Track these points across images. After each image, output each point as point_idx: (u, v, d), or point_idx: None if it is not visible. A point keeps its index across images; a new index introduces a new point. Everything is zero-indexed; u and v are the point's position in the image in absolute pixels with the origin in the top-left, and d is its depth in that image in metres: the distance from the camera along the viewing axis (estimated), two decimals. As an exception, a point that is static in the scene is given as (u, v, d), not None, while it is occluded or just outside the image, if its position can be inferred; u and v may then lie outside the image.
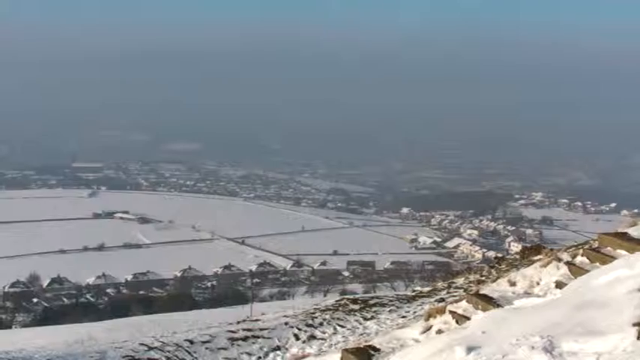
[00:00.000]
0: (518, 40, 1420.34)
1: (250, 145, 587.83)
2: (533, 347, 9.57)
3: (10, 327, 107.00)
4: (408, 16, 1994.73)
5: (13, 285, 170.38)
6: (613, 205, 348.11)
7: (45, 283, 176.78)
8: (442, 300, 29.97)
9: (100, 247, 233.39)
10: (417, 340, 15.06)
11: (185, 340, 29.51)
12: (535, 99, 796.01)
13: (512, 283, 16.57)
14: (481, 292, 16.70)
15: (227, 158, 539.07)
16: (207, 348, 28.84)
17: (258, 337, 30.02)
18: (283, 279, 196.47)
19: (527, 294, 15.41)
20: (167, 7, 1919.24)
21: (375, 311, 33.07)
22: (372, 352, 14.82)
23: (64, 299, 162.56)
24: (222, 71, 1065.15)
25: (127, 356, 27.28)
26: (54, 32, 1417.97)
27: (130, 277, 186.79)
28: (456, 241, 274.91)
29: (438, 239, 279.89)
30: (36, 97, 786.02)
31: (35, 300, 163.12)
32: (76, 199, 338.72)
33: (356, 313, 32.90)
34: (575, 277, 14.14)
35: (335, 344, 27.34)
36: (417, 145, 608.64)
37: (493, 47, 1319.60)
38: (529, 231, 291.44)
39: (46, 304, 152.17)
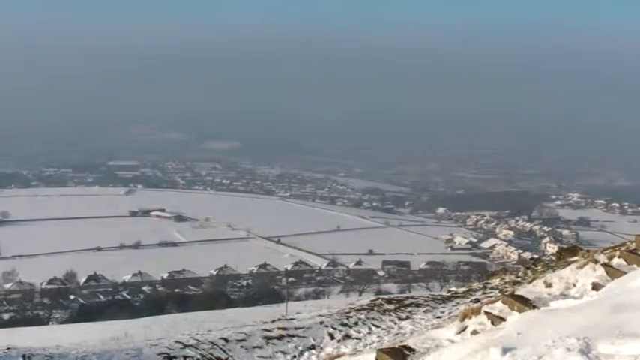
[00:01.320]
0: (555, 45, 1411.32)
1: (286, 145, 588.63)
2: (569, 349, 9.53)
3: (47, 323, 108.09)
4: (447, 17, 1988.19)
5: (50, 282, 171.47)
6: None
7: (82, 280, 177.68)
8: (477, 300, 29.87)
9: (137, 245, 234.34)
10: (452, 341, 15.04)
11: (220, 338, 29.57)
12: (574, 102, 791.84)
13: (548, 285, 16.49)
14: (517, 293, 16.63)
15: (263, 157, 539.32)
16: (242, 346, 28.89)
17: (293, 335, 30.05)
18: (318, 278, 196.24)
19: (563, 295, 15.34)
20: (199, 7, 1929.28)
21: (410, 311, 33.01)
22: (407, 352, 14.81)
23: (101, 296, 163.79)
24: (258, 71, 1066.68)
25: (163, 353, 27.39)
26: (89, 30, 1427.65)
27: (165, 275, 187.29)
28: (491, 241, 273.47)
29: (474, 239, 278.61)
30: (73, 95, 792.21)
31: (72, 297, 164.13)
32: (112, 197, 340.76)
33: (391, 312, 32.85)
34: (612, 279, 14.08)
35: (370, 344, 27.32)
36: (452, 146, 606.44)
37: (531, 52, 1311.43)
38: (565, 232, 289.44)
39: (82, 301, 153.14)
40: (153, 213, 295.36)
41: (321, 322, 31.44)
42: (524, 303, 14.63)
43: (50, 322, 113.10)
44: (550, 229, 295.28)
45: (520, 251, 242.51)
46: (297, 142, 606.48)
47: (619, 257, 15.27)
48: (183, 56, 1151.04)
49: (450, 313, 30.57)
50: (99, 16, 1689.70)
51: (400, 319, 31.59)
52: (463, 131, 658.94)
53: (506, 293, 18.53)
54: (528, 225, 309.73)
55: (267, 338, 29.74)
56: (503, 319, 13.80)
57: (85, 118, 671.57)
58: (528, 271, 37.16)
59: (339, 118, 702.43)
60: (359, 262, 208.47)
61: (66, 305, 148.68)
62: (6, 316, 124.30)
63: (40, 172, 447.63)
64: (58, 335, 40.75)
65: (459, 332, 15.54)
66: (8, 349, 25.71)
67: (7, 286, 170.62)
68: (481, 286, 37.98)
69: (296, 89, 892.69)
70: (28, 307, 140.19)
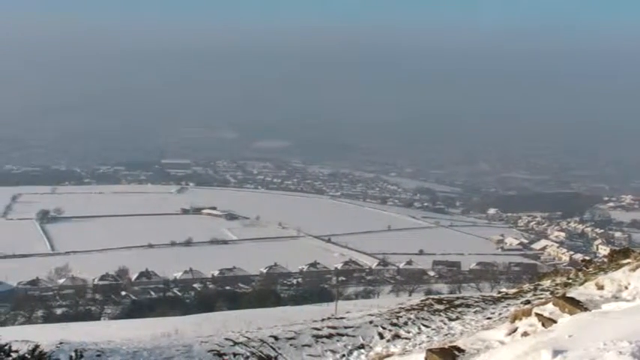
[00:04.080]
0: (605, 46, 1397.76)
1: (338, 144, 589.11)
2: (621, 352, 9.45)
3: (98, 319, 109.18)
4: (491, 17, 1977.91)
5: (102, 278, 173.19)
6: None
7: (133, 277, 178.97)
8: (528, 302, 29.67)
9: (188, 243, 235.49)
10: (502, 342, 14.97)
11: (270, 336, 29.68)
12: (624, 103, 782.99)
13: (600, 287, 16.36)
14: (568, 295, 16.52)
15: (314, 156, 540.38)
16: (291, 344, 28.97)
17: (342, 335, 30.07)
18: (368, 277, 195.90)
19: (616, 298, 15.21)
20: (245, 6, 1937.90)
21: (460, 312, 32.90)
22: (457, 353, 14.76)
23: (152, 293, 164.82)
24: (310, 71, 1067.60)
25: (213, 350, 27.54)
26: (146, 31, 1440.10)
27: (216, 273, 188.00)
28: (543, 242, 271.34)
29: (525, 241, 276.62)
30: (127, 93, 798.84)
31: (123, 293, 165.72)
32: (164, 194, 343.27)
33: (441, 313, 32.77)
34: (666, 282, 13.92)
35: (419, 344, 27.23)
36: (504, 146, 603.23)
37: (583, 53, 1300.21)
38: (618, 234, 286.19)
39: (134, 298, 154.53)
40: (204, 211, 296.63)
41: (371, 322, 31.45)
42: (576, 305, 14.52)
43: (102, 318, 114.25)
44: (602, 231, 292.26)
45: (571, 253, 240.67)
46: (348, 141, 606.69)
47: (673, 260, 15.11)
48: (236, 56, 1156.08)
49: (500, 314, 30.42)
50: (155, 17, 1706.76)
51: (450, 319, 31.48)
52: (514, 131, 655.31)
53: (558, 295, 18.41)
54: (580, 227, 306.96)
55: (317, 337, 29.79)
56: (554, 322, 13.69)
57: (139, 116, 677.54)
58: (580, 273, 36.85)
59: (391, 117, 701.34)
60: (409, 262, 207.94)
61: (117, 301, 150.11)
62: (59, 311, 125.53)
63: (93, 170, 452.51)
64: (110, 331, 41.19)
65: (509, 334, 15.45)
66: (61, 343, 25.98)
67: (61, 281, 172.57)
68: (532, 287, 37.74)
69: (349, 89, 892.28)
70: (81, 302, 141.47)
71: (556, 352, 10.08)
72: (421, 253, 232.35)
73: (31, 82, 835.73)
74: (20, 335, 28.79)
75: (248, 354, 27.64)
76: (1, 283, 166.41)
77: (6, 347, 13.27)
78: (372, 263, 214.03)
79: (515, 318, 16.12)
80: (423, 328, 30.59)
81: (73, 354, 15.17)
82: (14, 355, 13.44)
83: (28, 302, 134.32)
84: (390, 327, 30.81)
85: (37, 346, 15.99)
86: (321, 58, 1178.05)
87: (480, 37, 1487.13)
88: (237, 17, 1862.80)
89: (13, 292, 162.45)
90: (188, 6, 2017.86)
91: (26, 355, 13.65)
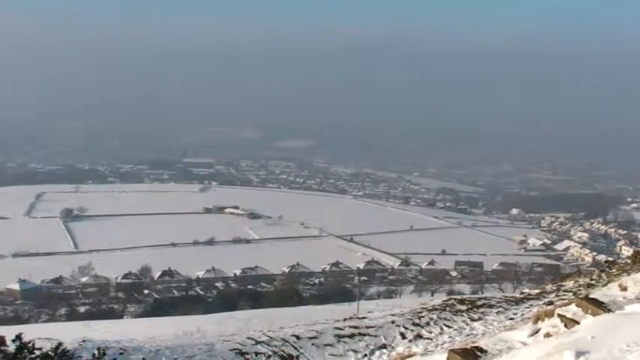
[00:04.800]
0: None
1: (360, 144, 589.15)
2: (644, 354, 9.41)
3: (121, 317, 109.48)
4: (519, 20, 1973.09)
5: (125, 276, 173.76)
6: None
7: (156, 276, 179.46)
8: (551, 303, 29.56)
9: (210, 242, 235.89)
10: (524, 343, 14.93)
11: (292, 335, 29.70)
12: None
13: (624, 288, 16.29)
14: (591, 296, 16.46)
15: (337, 156, 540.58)
16: (313, 344, 28.98)
17: (364, 334, 30.07)
18: (391, 277, 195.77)
19: (639, 299, 15.14)
20: (268, 7, 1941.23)
21: (482, 312, 32.83)
22: (479, 354, 14.73)
23: (174, 291, 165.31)
24: (332, 71, 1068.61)
25: (235, 349, 27.60)
26: (162, 31, 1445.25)
27: (238, 272, 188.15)
28: (565, 243, 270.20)
29: (548, 241, 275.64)
30: (151, 93, 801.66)
31: (146, 291, 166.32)
32: (187, 193, 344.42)
33: (463, 313, 32.71)
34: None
35: (441, 344, 27.20)
36: (526, 146, 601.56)
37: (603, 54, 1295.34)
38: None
39: (156, 296, 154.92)
40: (227, 210, 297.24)
41: (393, 322, 31.42)
42: (599, 306, 14.46)
43: (124, 316, 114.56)
44: (625, 231, 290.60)
45: (595, 254, 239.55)
46: (371, 141, 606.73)
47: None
48: (260, 56, 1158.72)
49: (522, 315, 30.34)
50: (178, 18, 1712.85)
51: (472, 320, 31.42)
52: (537, 132, 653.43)
53: (581, 296, 18.35)
54: (603, 227, 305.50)
55: (339, 336, 29.80)
56: (577, 323, 13.65)
57: (162, 116, 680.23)
58: (603, 274, 36.70)
59: (414, 118, 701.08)
60: (431, 262, 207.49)
61: (140, 300, 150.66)
62: (82, 309, 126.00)
63: (116, 169, 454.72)
64: (132, 329, 41.26)
65: (532, 335, 15.41)
66: (84, 341, 26.13)
67: (84, 279, 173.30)
68: (555, 288, 37.61)
69: (372, 90, 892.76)
70: (104, 300, 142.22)
71: (579, 354, 10.05)
72: (443, 253, 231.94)
73: (56, 83, 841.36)
74: (44, 333, 28.96)
75: (270, 353, 27.69)
76: (25, 280, 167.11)
77: (30, 345, 13.36)
78: (394, 263, 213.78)
79: (537, 319, 16.08)
80: (445, 328, 30.55)
81: (96, 352, 15.25)
82: (38, 352, 13.53)
83: (51, 300, 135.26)
84: (412, 327, 30.79)
85: (60, 344, 16.09)
86: (344, 59, 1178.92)
87: (502, 39, 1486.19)
88: (259, 18, 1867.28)
89: (37, 289, 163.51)
90: (212, 8, 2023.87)
91: (50, 352, 13.74)
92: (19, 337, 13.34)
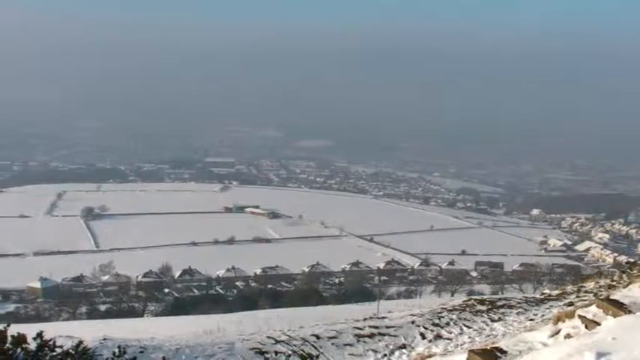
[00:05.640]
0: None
1: (381, 144, 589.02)
2: (665, 356, 9.37)
3: (141, 316, 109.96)
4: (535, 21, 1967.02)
5: (145, 275, 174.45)
6: None
7: (176, 275, 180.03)
8: (571, 304, 29.45)
9: (231, 241, 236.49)
10: (544, 344, 14.89)
11: (312, 334, 29.70)
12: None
13: (645, 289, 16.21)
14: (612, 297, 16.39)
15: (357, 156, 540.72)
16: (333, 343, 28.97)
17: (384, 334, 30.02)
18: (411, 277, 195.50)
19: (661, 301, 15.07)
20: (287, 8, 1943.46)
21: (502, 313, 32.73)
22: (499, 354, 14.70)
23: (195, 290, 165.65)
24: (353, 72, 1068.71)
25: (255, 349, 27.62)
26: (182, 30, 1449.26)
27: (259, 271, 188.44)
28: (586, 244, 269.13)
29: (569, 242, 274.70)
30: (172, 93, 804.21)
31: (166, 290, 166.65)
32: (208, 192, 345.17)
33: (483, 314, 32.62)
34: None
35: (461, 345, 27.13)
36: (547, 146, 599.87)
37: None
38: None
39: (176, 295, 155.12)
40: (247, 209, 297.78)
41: (413, 322, 31.37)
42: (620, 308, 14.39)
43: (145, 315, 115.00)
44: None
45: (615, 255, 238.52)
46: (391, 141, 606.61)
47: None
48: (280, 56, 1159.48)
49: (543, 316, 30.23)
50: (199, 17, 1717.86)
51: (492, 320, 31.33)
52: (558, 132, 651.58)
53: (601, 297, 18.27)
54: (624, 228, 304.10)
55: (359, 336, 29.78)
56: (598, 324, 13.59)
57: (183, 115, 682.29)
58: (624, 275, 36.44)
59: (434, 118, 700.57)
60: (452, 263, 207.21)
61: (160, 298, 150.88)
62: (102, 307, 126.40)
63: (137, 168, 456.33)
64: (153, 327, 41.41)
65: (552, 336, 15.36)
66: (104, 339, 26.22)
67: (104, 278, 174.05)
68: (575, 289, 37.45)
69: (392, 90, 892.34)
70: (124, 299, 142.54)
71: (599, 355, 10.01)
72: (464, 253, 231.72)
73: (77, 82, 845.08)
74: (64, 331, 29.04)
75: (290, 352, 27.69)
76: (47, 279, 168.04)
77: (50, 342, 13.42)
78: (414, 263, 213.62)
79: (558, 320, 16.03)
80: (465, 328, 30.48)
81: (116, 350, 15.33)
82: (59, 350, 13.60)
83: (72, 298, 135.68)
84: (431, 327, 30.73)
85: (81, 342, 16.14)
86: (365, 59, 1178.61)
87: (518, 39, 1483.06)
88: (277, 18, 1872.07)
89: (57, 288, 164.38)
90: (231, 7, 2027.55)
91: (70, 350, 13.80)
92: (40, 335, 13.41)
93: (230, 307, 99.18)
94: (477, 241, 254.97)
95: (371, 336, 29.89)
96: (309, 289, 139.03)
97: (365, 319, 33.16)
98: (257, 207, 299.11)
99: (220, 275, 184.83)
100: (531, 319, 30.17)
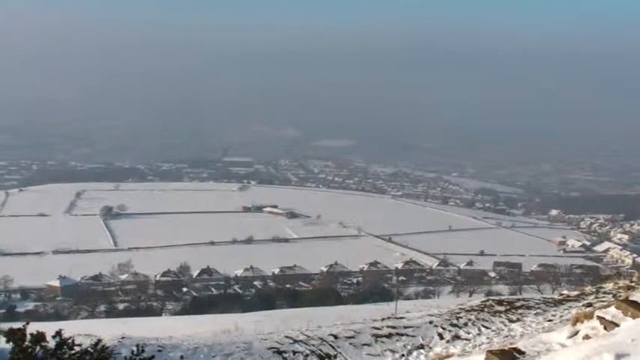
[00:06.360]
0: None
1: (399, 143, 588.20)
2: (684, 357, 9.33)
3: (160, 314, 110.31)
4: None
5: (164, 274, 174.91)
6: None
7: (195, 274, 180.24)
8: (590, 305, 29.35)
9: (249, 241, 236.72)
10: (563, 345, 14.83)
11: (329, 334, 29.72)
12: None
13: (665, 291, 16.14)
14: (631, 298, 16.32)
15: (376, 155, 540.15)
16: (351, 343, 28.99)
17: (402, 334, 30.01)
18: (429, 278, 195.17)
19: (680, 302, 14.98)
20: (307, 8, 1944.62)
21: (520, 313, 32.66)
22: (517, 355, 14.66)
23: (213, 290, 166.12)
24: (372, 71, 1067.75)
25: (272, 348, 27.68)
26: (202, 31, 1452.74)
27: (277, 271, 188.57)
28: (605, 245, 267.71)
29: (587, 243, 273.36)
30: (191, 92, 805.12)
31: (185, 289, 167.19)
32: (226, 192, 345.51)
33: (501, 314, 32.55)
34: None
35: (479, 345, 27.07)
36: (566, 147, 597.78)
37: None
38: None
39: (194, 294, 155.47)
40: (265, 209, 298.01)
41: (431, 322, 31.35)
42: (639, 309, 14.33)
43: (163, 314, 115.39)
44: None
45: (635, 256, 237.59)
46: (410, 141, 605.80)
47: None
48: (300, 56, 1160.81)
49: (561, 316, 30.13)
50: (220, 18, 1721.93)
51: (510, 321, 31.26)
52: (577, 132, 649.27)
53: (620, 298, 18.20)
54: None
55: (377, 336, 29.78)
56: (617, 325, 13.52)
57: (202, 115, 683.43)
58: (644, 277, 36.36)
59: (453, 117, 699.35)
60: (470, 263, 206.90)
61: (178, 297, 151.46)
62: (121, 306, 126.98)
63: (156, 167, 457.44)
64: (171, 326, 41.54)
65: (571, 337, 15.30)
66: (123, 338, 26.36)
67: (123, 277, 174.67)
68: (594, 290, 37.29)
69: (411, 89, 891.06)
70: (143, 298, 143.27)
71: (618, 356, 9.97)
72: (482, 253, 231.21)
73: (97, 82, 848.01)
74: (83, 329, 29.20)
75: (308, 352, 27.73)
76: (66, 277, 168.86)
77: (69, 341, 13.44)
78: (432, 263, 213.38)
79: (576, 320, 15.96)
80: (483, 329, 30.42)
81: (135, 349, 15.31)
82: (77, 348, 13.62)
83: (91, 297, 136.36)
84: (449, 327, 30.70)
85: (99, 341, 16.15)
86: (385, 59, 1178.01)
87: (542, 38, 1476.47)
88: (295, 18, 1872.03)
89: (76, 286, 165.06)
90: (251, 8, 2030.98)
91: (89, 348, 13.81)
92: (59, 333, 13.42)
93: (248, 306, 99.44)
94: (496, 241, 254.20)
95: (389, 336, 29.90)
96: (327, 289, 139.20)
97: (383, 319, 33.16)
98: (275, 206, 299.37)
99: (238, 275, 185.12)
100: (550, 320, 30.08)
